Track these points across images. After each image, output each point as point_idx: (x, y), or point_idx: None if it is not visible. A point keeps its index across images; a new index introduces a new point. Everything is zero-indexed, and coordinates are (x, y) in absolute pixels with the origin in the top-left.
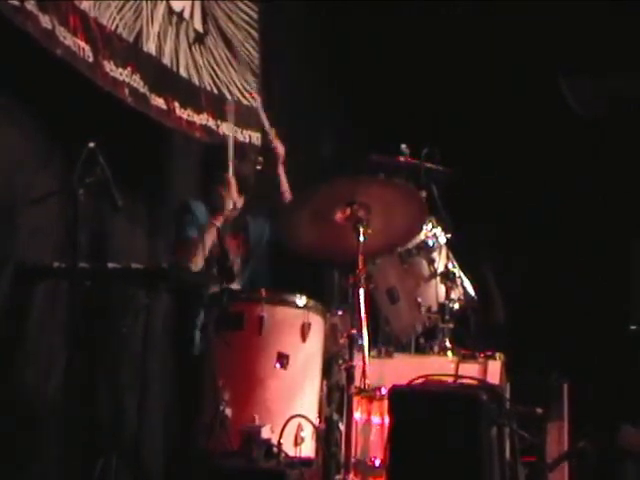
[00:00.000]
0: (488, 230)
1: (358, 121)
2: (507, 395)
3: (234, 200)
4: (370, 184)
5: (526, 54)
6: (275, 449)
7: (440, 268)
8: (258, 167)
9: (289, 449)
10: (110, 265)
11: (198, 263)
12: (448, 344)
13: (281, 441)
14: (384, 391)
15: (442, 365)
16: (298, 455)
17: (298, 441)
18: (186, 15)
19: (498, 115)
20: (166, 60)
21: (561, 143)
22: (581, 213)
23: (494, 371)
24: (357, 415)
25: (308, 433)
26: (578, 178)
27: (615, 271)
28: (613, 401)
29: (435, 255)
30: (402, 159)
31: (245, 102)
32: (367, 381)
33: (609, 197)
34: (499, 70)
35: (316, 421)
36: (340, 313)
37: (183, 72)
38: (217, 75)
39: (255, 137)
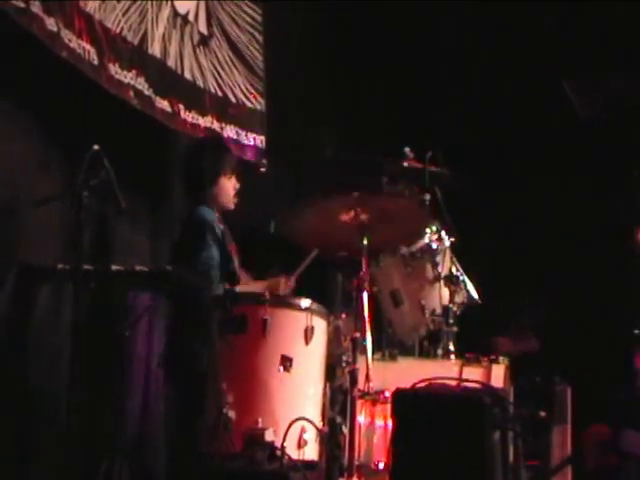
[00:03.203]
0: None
1: (360, 122)
2: (511, 399)
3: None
4: (373, 197)
5: (530, 56)
6: (278, 452)
7: (444, 271)
8: (262, 169)
9: (292, 452)
10: (114, 267)
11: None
12: (452, 347)
13: (284, 444)
14: (387, 394)
15: (446, 369)
16: (301, 458)
17: (301, 444)
18: (191, 18)
19: (501, 116)
20: (171, 62)
21: (563, 144)
22: (585, 215)
23: (498, 375)
24: (360, 418)
25: (311, 436)
26: (580, 179)
27: (620, 274)
28: (616, 405)
29: (439, 258)
30: (406, 164)
31: (249, 105)
32: (370, 384)
33: (613, 198)
34: (502, 71)
35: (319, 424)
36: (344, 316)
37: (188, 74)
38: (221, 77)
39: (259, 139)
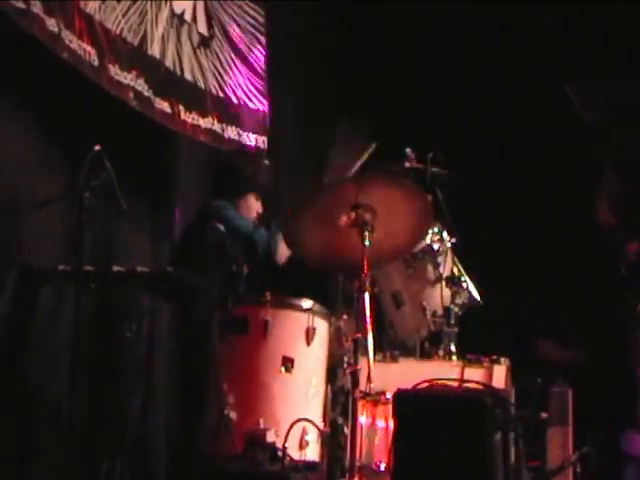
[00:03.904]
0: None
1: (362, 124)
2: (512, 400)
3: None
4: (374, 183)
5: (531, 56)
6: (280, 453)
7: (446, 272)
8: None
9: (294, 453)
10: (115, 268)
11: None
12: (453, 348)
13: (286, 445)
14: (389, 395)
15: (447, 369)
16: (303, 459)
17: (303, 445)
18: (187, 17)
19: (502, 117)
20: (170, 63)
21: (564, 144)
22: (585, 215)
23: (499, 376)
24: (362, 419)
25: (313, 437)
26: (580, 179)
27: (620, 275)
28: (616, 406)
29: (440, 259)
30: (408, 165)
31: (251, 105)
32: (372, 385)
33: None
34: (503, 72)
35: (321, 425)
36: (345, 317)
37: (188, 75)
38: (222, 78)
39: (261, 140)
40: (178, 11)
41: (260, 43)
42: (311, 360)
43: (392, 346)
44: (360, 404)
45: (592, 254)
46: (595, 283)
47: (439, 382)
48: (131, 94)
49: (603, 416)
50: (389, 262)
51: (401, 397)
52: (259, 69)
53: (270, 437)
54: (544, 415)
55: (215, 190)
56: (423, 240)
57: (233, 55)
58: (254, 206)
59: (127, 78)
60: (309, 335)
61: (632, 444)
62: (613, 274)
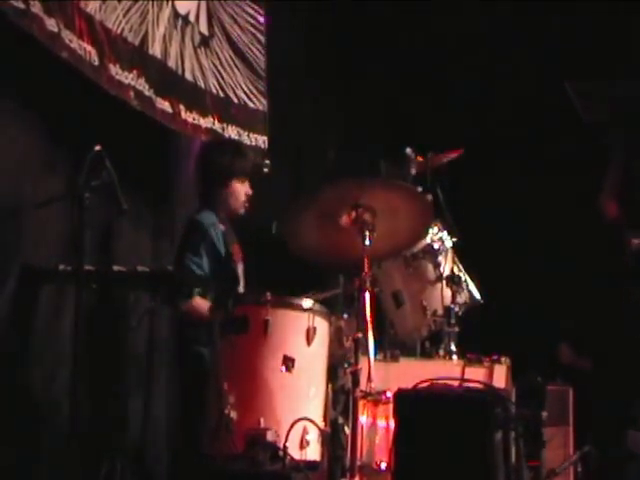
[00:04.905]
0: None
1: (361, 122)
2: (512, 399)
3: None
4: (375, 186)
5: (531, 56)
6: (280, 452)
7: (446, 272)
8: (265, 170)
9: (294, 452)
10: (115, 268)
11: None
12: (454, 348)
13: (286, 444)
14: (389, 395)
15: (448, 369)
16: (303, 458)
17: (303, 444)
18: (191, 18)
19: (502, 116)
20: (171, 63)
21: (563, 144)
22: (587, 215)
23: (500, 375)
24: (362, 419)
25: (314, 436)
26: (581, 179)
27: (621, 275)
28: (619, 406)
29: (441, 259)
30: (414, 172)
31: (251, 105)
32: (372, 385)
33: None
34: (503, 71)
35: (322, 424)
36: (345, 316)
37: (188, 75)
38: (223, 78)
39: (261, 140)
40: (183, 12)
41: (260, 43)
42: (312, 360)
43: (392, 345)
44: (361, 404)
45: (593, 253)
46: (596, 282)
47: (440, 381)
48: (132, 94)
49: (603, 415)
50: (388, 258)
51: (402, 396)
52: (259, 69)
53: (271, 437)
54: (544, 414)
55: (199, 187)
56: (423, 240)
57: (233, 55)
58: (240, 191)
59: (128, 78)
60: (310, 335)
61: (636, 443)
62: (614, 272)
